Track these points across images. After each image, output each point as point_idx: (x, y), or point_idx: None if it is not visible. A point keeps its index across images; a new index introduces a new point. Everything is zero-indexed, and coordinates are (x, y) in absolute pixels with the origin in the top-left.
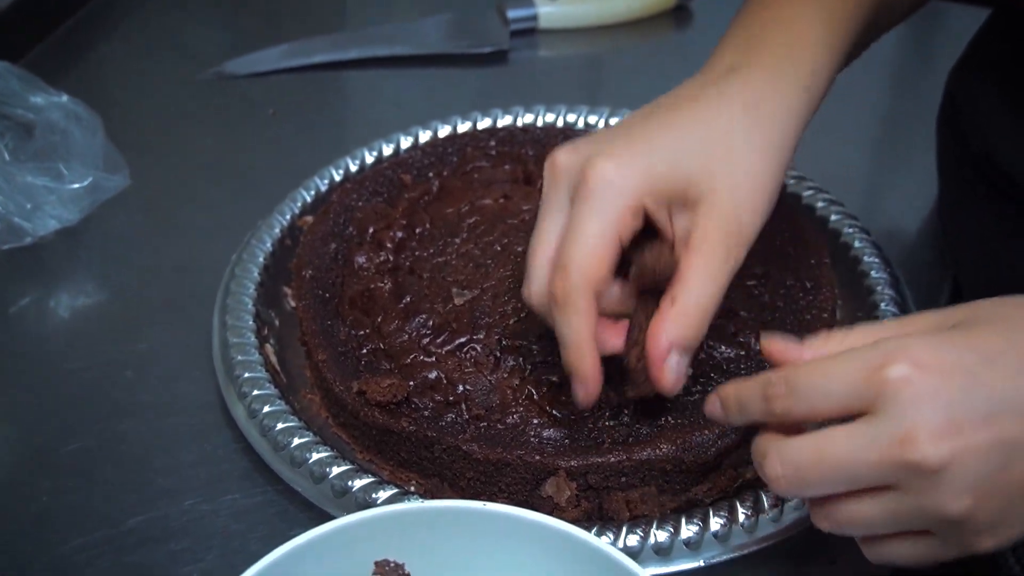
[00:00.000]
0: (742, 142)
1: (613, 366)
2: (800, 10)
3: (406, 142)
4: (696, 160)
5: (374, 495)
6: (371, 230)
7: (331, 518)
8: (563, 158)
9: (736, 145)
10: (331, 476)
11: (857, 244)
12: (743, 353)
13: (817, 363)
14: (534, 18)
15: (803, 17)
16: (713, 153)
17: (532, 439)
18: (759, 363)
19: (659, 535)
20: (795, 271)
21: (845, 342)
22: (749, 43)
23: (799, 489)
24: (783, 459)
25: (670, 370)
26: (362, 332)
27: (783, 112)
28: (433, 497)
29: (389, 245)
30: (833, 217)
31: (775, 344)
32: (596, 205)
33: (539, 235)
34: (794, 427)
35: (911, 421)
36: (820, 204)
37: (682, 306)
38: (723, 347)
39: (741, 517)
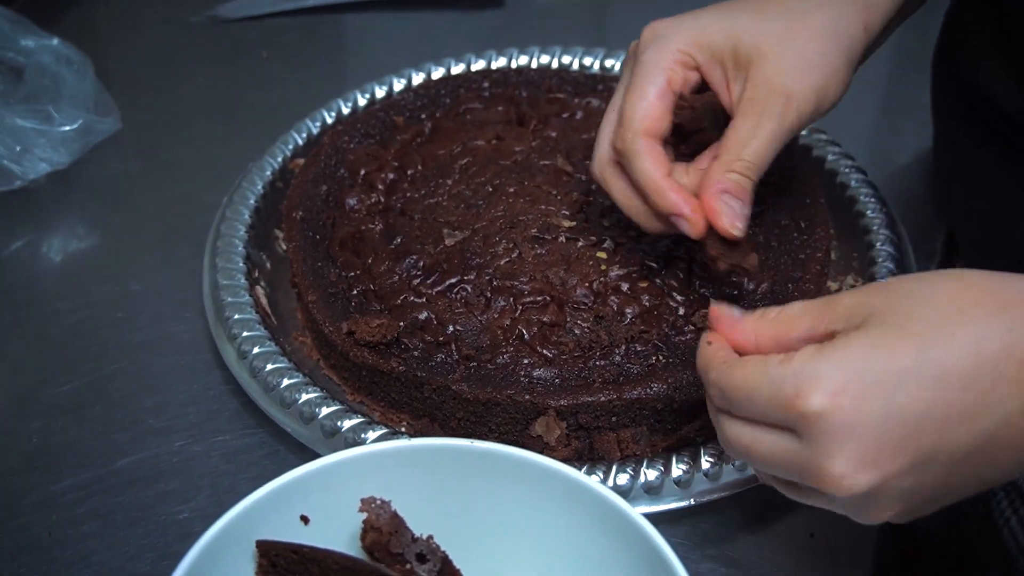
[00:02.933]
0: (799, 15)
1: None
2: None
3: (399, 84)
4: (749, 23)
5: (364, 435)
6: (363, 172)
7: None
8: (649, 30)
9: (793, 18)
10: (321, 416)
11: (853, 184)
12: (736, 292)
13: (744, 380)
14: None
15: None
16: (767, 17)
17: (522, 379)
18: (753, 303)
19: (649, 474)
20: (790, 210)
21: (776, 322)
22: None
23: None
24: (724, 435)
25: (721, 211)
26: (353, 273)
27: (839, 25)
28: (423, 437)
29: (380, 187)
30: (829, 157)
31: (719, 313)
32: (645, 58)
33: (606, 113)
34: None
35: (830, 458)
36: (816, 144)
37: (726, 156)
38: (715, 286)
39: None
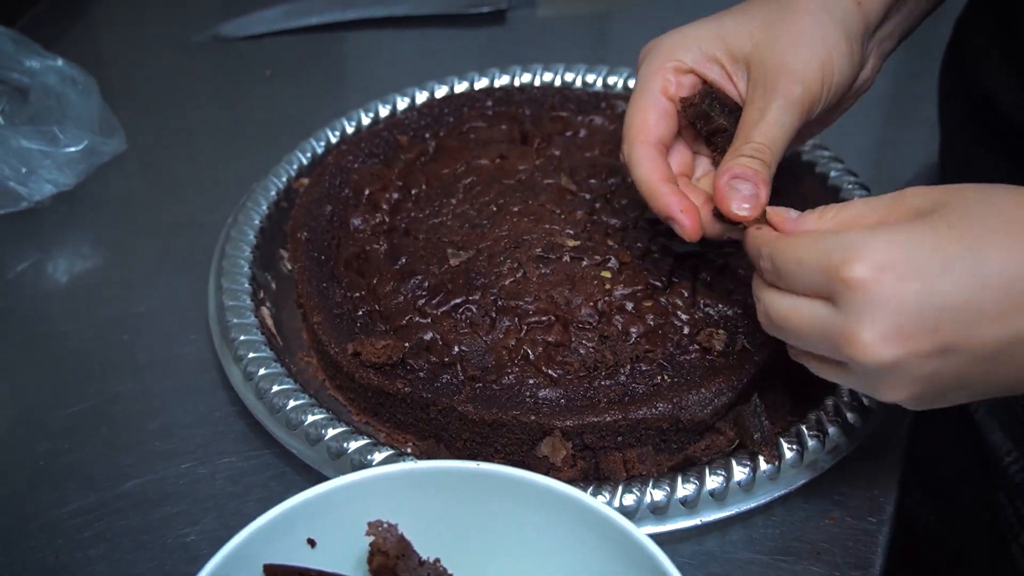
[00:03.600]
0: (784, 2)
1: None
2: None
3: (403, 103)
4: (734, 20)
5: (370, 457)
6: (367, 192)
7: (326, 480)
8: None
9: (780, 6)
10: (327, 438)
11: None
12: (740, 311)
13: (794, 247)
14: None
15: None
16: (751, 12)
17: (528, 399)
18: (757, 322)
19: (655, 494)
20: None
21: (837, 218)
22: None
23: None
24: (764, 306)
25: (729, 196)
26: (358, 294)
27: (828, 2)
28: (429, 459)
29: (385, 206)
30: (832, 173)
31: (775, 215)
32: (640, 72)
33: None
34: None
35: (861, 324)
36: (820, 160)
37: (736, 143)
38: (721, 305)
39: (738, 476)
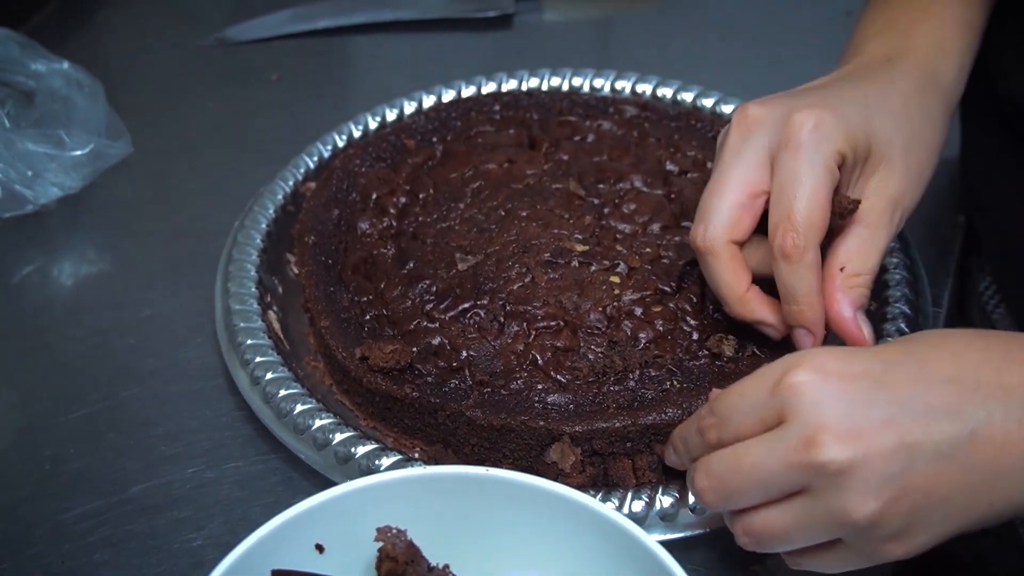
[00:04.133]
0: (919, 115)
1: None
2: (942, 10)
3: (410, 107)
4: (883, 119)
5: (377, 462)
6: (374, 196)
7: (334, 485)
8: (758, 110)
9: (914, 117)
10: (334, 443)
11: None
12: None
13: (735, 385)
14: None
15: (947, 20)
16: (897, 117)
17: (536, 405)
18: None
19: (664, 501)
20: None
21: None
22: (899, 37)
23: (723, 499)
24: (708, 471)
25: (863, 328)
26: (365, 298)
27: (941, 103)
28: (437, 464)
29: (392, 211)
30: None
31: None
32: (809, 156)
33: (725, 179)
34: None
35: (815, 423)
36: None
37: (851, 267)
38: None
39: None
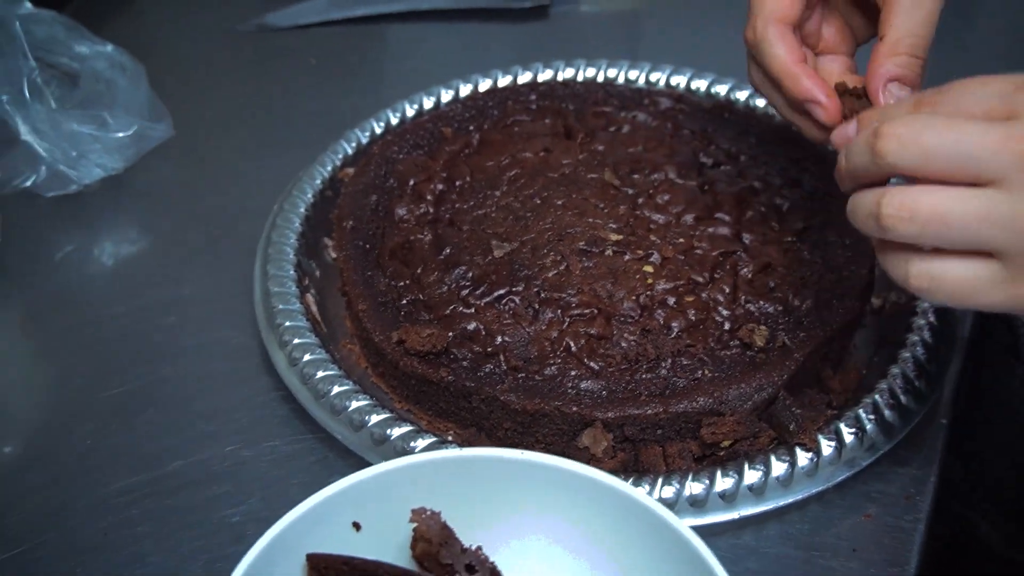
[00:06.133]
0: None
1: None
2: None
3: (447, 95)
4: None
5: (412, 443)
6: (412, 182)
7: (370, 466)
8: None
9: None
10: (370, 424)
11: None
12: (781, 308)
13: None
14: None
15: None
16: None
17: (569, 390)
18: (797, 319)
19: (694, 487)
20: (836, 227)
21: None
22: None
23: (909, 152)
24: (909, 122)
25: (888, 97)
26: (402, 283)
27: None
28: (470, 447)
29: (429, 197)
30: None
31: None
32: None
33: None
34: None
35: None
36: None
37: (892, 34)
38: (761, 302)
39: (777, 471)
